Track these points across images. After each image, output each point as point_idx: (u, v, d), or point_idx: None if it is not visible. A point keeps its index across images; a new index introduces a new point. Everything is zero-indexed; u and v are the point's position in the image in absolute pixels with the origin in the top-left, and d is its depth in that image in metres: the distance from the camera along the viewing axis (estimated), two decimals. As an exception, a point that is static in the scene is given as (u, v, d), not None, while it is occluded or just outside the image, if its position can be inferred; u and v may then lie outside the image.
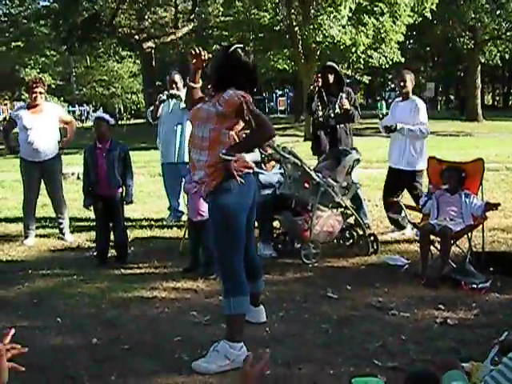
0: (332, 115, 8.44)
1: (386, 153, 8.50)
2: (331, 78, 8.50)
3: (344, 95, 8.41)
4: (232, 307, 4.40)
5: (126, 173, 7.46)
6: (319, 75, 8.61)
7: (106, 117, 7.54)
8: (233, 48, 4.50)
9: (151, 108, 9.34)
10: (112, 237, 7.54)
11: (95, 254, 7.57)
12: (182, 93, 8.66)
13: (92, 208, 7.49)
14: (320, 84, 8.49)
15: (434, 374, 2.89)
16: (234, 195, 4.33)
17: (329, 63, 8.82)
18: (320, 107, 8.51)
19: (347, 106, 8.30)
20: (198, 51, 4.55)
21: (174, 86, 9.07)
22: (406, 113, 8.02)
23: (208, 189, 4.40)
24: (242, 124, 4.44)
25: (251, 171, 4.54)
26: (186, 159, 8.69)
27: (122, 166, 7.39)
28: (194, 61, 4.58)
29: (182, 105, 8.92)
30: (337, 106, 8.39)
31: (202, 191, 4.50)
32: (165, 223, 9.39)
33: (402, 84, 8.19)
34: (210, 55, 4.61)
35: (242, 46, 4.59)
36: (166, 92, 9.06)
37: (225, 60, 4.51)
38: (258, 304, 5.14)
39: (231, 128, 4.38)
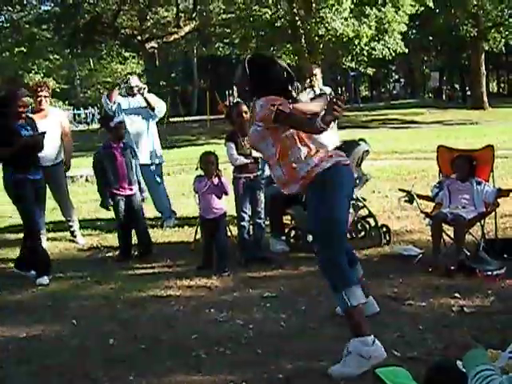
0: None
1: (394, 144, 8.50)
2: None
3: None
4: (347, 300, 4.11)
5: (136, 169, 7.68)
6: None
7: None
8: (248, 58, 4.52)
9: (105, 93, 9.16)
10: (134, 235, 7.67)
11: (118, 252, 7.64)
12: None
13: (112, 208, 7.56)
14: None
15: (455, 363, 2.87)
16: (332, 187, 4.18)
17: None
18: None
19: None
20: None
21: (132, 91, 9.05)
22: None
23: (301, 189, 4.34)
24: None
25: (347, 163, 4.38)
26: (157, 160, 9.00)
27: (134, 163, 7.62)
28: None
29: (143, 103, 8.97)
30: None
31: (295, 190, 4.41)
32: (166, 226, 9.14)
33: (311, 78, 8.84)
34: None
35: (261, 54, 4.56)
36: (131, 79, 9.11)
37: (244, 72, 4.46)
38: (366, 294, 4.58)
39: (285, 130, 4.29)
